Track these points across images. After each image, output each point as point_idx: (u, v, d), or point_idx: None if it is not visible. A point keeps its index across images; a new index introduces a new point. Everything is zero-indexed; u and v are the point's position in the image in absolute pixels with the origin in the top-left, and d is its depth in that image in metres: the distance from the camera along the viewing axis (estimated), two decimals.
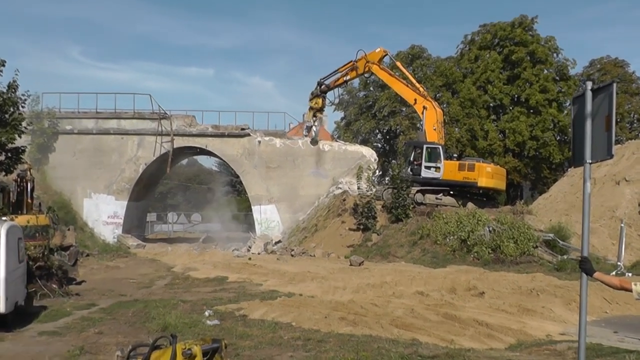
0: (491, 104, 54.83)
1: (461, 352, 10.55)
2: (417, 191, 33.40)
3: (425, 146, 33.90)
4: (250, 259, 29.35)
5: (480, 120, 52.63)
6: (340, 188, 37.14)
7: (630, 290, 6.08)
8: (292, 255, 30.44)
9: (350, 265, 26.07)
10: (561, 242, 27.28)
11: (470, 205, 32.70)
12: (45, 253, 18.38)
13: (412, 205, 32.24)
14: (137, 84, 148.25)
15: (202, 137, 39.70)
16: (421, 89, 36.05)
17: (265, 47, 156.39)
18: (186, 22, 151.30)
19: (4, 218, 16.28)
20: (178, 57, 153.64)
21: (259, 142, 39.23)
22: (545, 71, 53.67)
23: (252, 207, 39.41)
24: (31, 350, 11.30)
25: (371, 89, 58.65)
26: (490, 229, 28.07)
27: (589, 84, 6.52)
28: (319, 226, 34.49)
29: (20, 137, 23.70)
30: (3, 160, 23.38)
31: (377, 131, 59.28)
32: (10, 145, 23.22)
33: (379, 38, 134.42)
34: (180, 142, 39.52)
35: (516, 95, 53.91)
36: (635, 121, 56.85)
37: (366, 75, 39.13)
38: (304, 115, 40.51)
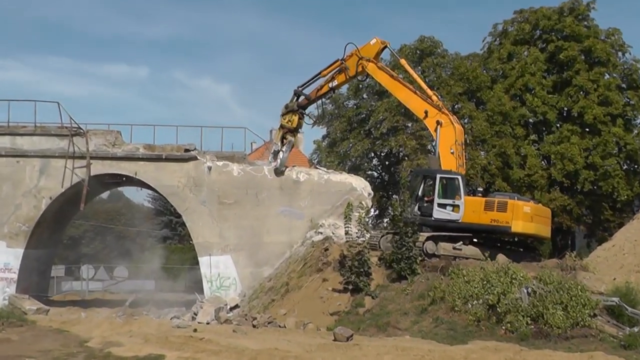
0: (531, 120, 55.43)
1: None
2: (428, 238, 33.48)
3: (439, 176, 34.06)
4: (196, 330, 29.14)
5: (515, 141, 53.08)
6: (322, 233, 37.19)
7: None
8: (254, 326, 30.26)
9: (335, 340, 25.96)
10: (630, 309, 27.34)
11: (501, 258, 32.73)
12: None
13: (420, 258, 32.27)
14: (40, 87, 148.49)
15: (130, 161, 39.69)
16: (434, 97, 36.22)
17: (219, 38, 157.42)
18: (109, 4, 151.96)
19: None
20: (97, 51, 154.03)
21: (209, 168, 39.28)
22: (607, 76, 54.27)
23: (199, 258, 39.29)
24: None
25: (364, 96, 58.99)
26: (530, 290, 28.08)
27: None
28: (291, 286, 34.40)
29: None
30: None
31: (373, 154, 59.62)
32: None
33: (375, 27, 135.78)
34: (99, 167, 39.44)
35: (565, 109, 54.63)
36: None
37: (360, 78, 39.48)
38: (271, 132, 40.77)
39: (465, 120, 51.14)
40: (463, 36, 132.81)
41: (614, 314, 27.51)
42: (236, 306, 35.72)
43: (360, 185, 39.67)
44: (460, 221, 33.46)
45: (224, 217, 38.95)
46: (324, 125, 60.71)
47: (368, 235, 34.42)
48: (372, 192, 40.84)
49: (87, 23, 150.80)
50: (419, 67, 53.99)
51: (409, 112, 41.02)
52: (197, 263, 40.05)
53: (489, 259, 32.43)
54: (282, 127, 39.09)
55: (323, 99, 40.67)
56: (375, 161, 60.73)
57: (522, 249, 35.28)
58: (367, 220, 36.51)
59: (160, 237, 66.28)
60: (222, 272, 38.51)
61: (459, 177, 33.88)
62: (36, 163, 39.49)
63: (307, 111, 40.19)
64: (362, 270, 31.97)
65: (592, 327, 26.69)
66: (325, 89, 38.59)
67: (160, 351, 24.08)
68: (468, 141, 44.17)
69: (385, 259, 33.01)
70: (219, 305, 35.39)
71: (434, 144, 35.93)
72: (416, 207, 34.36)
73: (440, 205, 33.84)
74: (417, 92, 36.29)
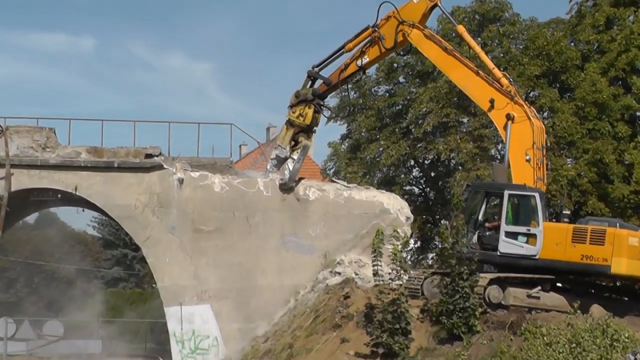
0: (638, 114, 55.37)
1: None
2: (492, 282, 33.38)
3: (508, 193, 34.02)
4: None
5: (616, 144, 52.95)
6: (340, 274, 37.22)
7: None
8: None
9: None
10: None
11: (596, 310, 32.73)
12: None
13: (480, 310, 32.26)
14: None
15: (68, 171, 39.84)
16: (504, 80, 36.00)
17: None
18: None
19: None
20: (22, 15, 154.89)
21: (181, 180, 39.34)
22: None
23: (166, 309, 39.35)
24: None
25: (401, 79, 59.48)
26: (639, 356, 28.07)
27: None
28: (297, 349, 34.40)
29: None
30: None
31: (413, 162, 59.91)
32: None
33: None
34: (24, 179, 39.60)
35: None
36: None
37: (400, 51, 39.46)
38: (268, 131, 40.74)
39: (545, 114, 51.21)
40: None
41: None
42: None
43: (395, 206, 39.68)
44: (537, 257, 33.35)
45: (200, 250, 38.97)
46: (344, 121, 60.67)
47: (406, 277, 34.46)
48: (411, 216, 40.94)
49: None
50: (479, 39, 54.24)
51: (465, 102, 41.01)
52: (163, 316, 40.04)
53: (579, 311, 32.41)
54: (291, 124, 38.59)
55: (349, 84, 40.54)
56: (415, 172, 61.01)
57: (626, 298, 35.19)
58: (404, 255, 36.57)
59: (110, 279, 66.55)
60: (197, 329, 38.53)
61: (537, 195, 33.74)
62: None
63: (325, 101, 39.95)
64: (397, 327, 31.86)
65: None
66: (351, 69, 38.22)
67: None
68: (550, 144, 43.93)
69: (430, 311, 32.96)
70: None
71: (501, 147, 35.74)
72: (475, 237, 34.46)
73: (509, 234, 33.74)
74: (480, 73, 36.14)
